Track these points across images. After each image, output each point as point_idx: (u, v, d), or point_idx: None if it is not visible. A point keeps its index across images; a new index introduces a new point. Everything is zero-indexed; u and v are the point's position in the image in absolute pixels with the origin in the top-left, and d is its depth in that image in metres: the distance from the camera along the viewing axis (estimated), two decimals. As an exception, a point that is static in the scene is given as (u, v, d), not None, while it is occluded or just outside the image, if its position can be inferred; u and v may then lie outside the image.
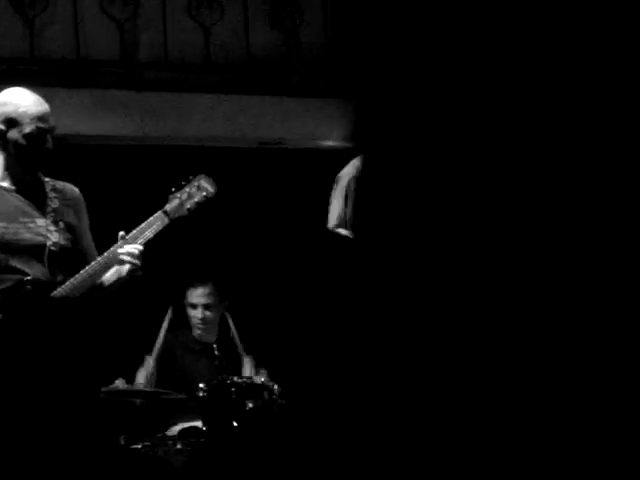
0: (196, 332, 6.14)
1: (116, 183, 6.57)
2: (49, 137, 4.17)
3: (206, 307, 6.11)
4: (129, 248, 4.15)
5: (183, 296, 6.20)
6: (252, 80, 6.69)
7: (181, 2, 6.58)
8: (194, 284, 6.16)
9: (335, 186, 4.29)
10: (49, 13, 6.31)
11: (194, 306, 6.13)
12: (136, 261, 4.15)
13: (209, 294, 6.13)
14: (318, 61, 6.84)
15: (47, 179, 4.29)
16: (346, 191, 4.23)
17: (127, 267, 4.17)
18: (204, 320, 6.09)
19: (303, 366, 1.70)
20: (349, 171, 4.29)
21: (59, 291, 4.11)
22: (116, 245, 4.17)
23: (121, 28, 6.44)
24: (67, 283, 4.13)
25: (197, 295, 6.13)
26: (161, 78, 6.51)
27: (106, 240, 4.23)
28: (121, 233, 4.19)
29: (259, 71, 6.70)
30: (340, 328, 1.68)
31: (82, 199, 4.36)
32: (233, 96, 6.59)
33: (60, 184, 4.32)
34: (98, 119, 6.30)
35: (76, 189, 4.36)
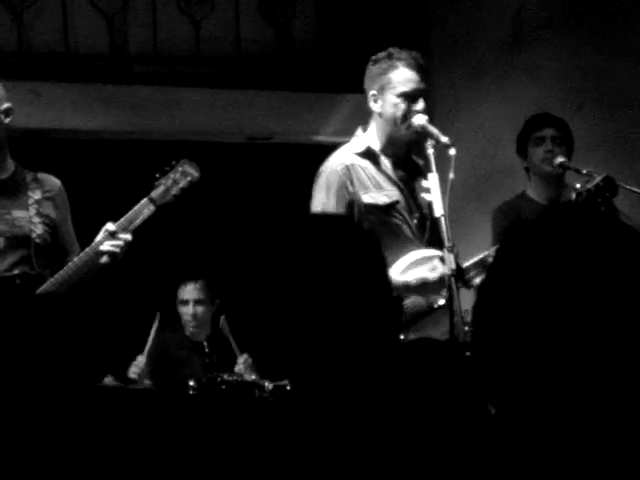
0: (188, 330, 6.08)
1: (105, 178, 6.54)
2: None
3: (197, 302, 6.07)
4: (115, 241, 4.11)
5: (175, 296, 6.15)
6: (242, 74, 6.66)
7: (170, -5, 6.55)
8: (185, 282, 6.12)
9: (317, 180, 4.26)
10: (38, 7, 6.27)
11: (185, 302, 6.08)
12: (118, 251, 4.11)
13: (200, 289, 6.08)
14: (310, 55, 6.82)
15: (27, 171, 4.23)
16: (327, 185, 4.20)
17: (105, 258, 4.13)
18: (195, 316, 6.04)
19: (300, 361, 1.67)
20: (330, 165, 4.25)
21: (47, 286, 4.06)
22: (101, 237, 4.13)
23: (110, 22, 6.40)
24: (54, 277, 4.08)
25: (188, 291, 6.09)
26: (150, 72, 6.48)
27: (94, 234, 4.19)
28: (108, 225, 4.14)
29: (249, 65, 6.68)
30: (336, 322, 1.66)
31: (63, 190, 4.29)
32: (223, 90, 6.56)
33: (41, 176, 4.26)
34: (87, 113, 6.26)
35: (57, 181, 4.30)
